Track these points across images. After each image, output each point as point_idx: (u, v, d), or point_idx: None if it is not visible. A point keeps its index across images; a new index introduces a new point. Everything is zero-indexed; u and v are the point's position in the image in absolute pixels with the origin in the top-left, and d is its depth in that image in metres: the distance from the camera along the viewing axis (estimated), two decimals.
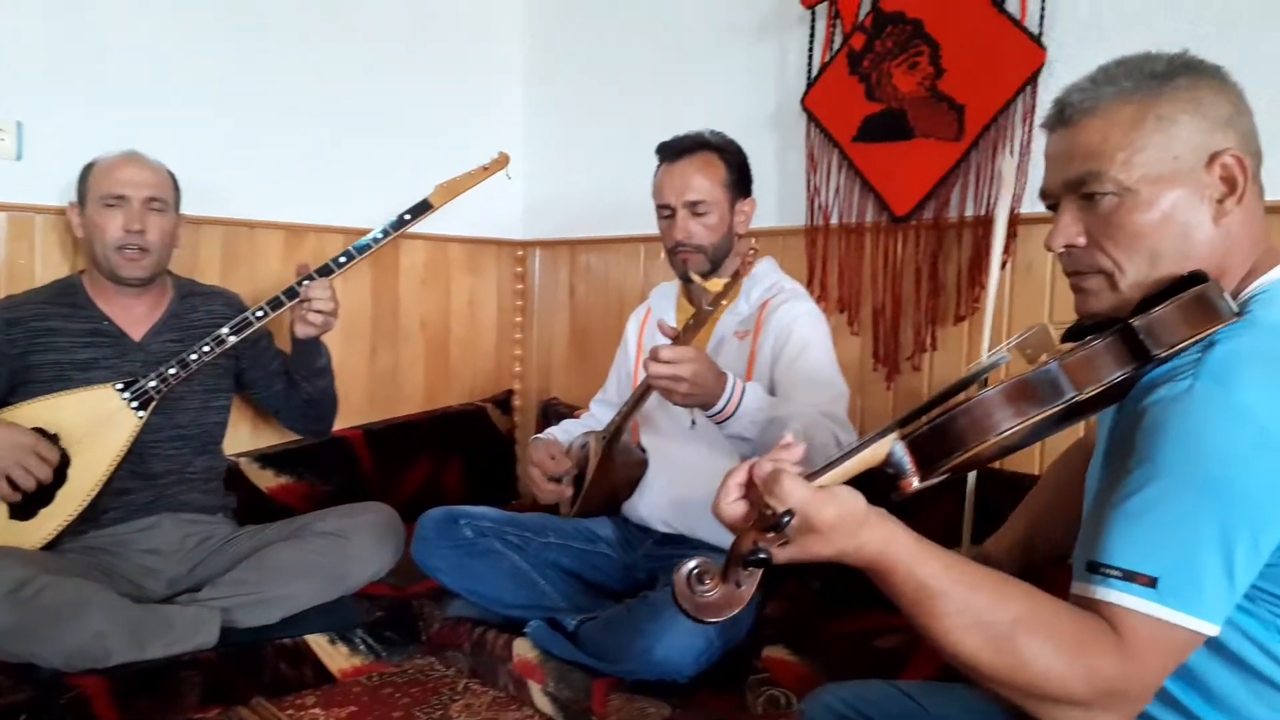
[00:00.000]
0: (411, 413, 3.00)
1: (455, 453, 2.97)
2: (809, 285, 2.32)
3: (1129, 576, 0.84)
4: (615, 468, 2.05)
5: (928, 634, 0.89)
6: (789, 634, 1.91)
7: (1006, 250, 2.00)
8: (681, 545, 2.01)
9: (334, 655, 2.04)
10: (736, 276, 1.84)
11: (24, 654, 1.75)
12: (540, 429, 2.86)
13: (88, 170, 2.12)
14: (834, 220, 2.31)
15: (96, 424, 2.02)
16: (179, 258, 2.28)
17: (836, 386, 1.87)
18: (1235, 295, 0.95)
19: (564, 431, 2.25)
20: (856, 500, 0.91)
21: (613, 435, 2.02)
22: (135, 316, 2.16)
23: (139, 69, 2.42)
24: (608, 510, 2.16)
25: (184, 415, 2.18)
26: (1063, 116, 1.00)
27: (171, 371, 2.07)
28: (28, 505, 1.96)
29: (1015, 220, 1.99)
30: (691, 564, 0.91)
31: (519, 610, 2.01)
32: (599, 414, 2.30)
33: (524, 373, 3.29)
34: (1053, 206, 1.04)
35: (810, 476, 0.93)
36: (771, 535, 0.89)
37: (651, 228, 2.07)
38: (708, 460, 1.94)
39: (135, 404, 2.05)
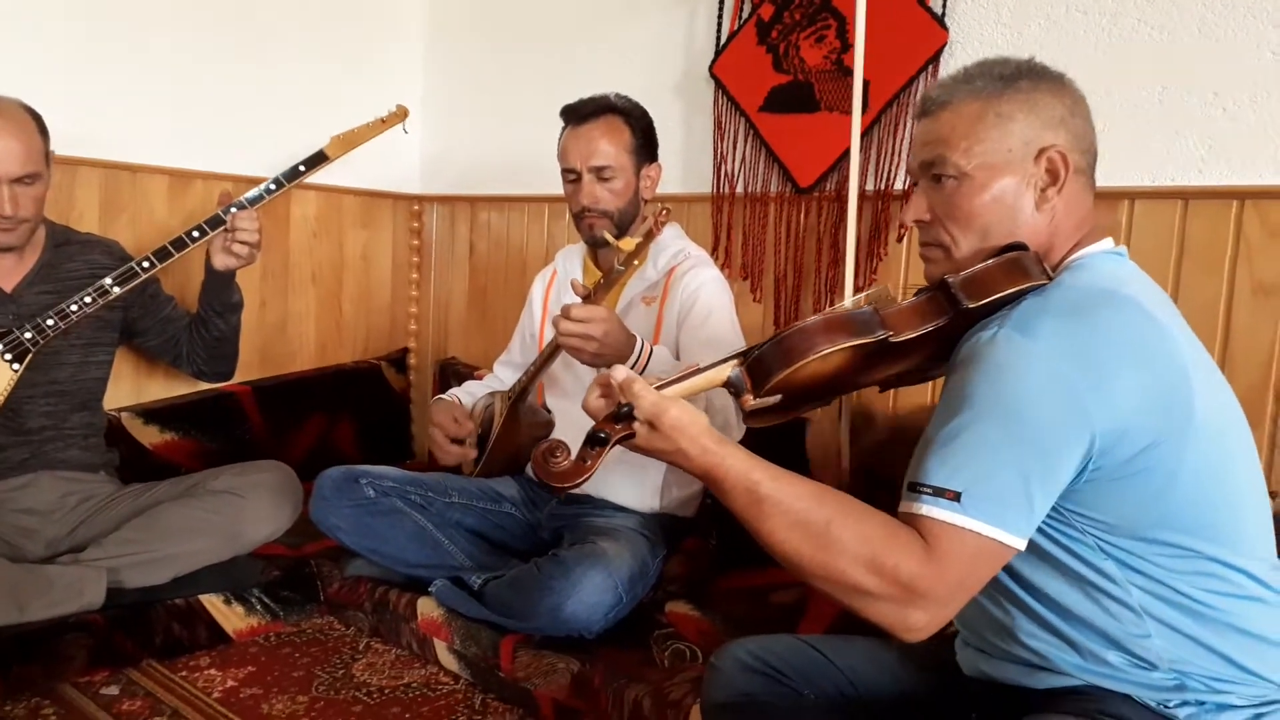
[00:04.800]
0: (303, 369, 2.92)
1: (348, 411, 2.90)
2: (713, 252, 2.36)
3: (938, 492, 0.97)
4: (520, 428, 2.06)
5: (757, 534, 1.02)
6: (690, 590, 1.97)
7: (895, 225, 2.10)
8: (585, 504, 2.04)
9: (229, 615, 1.99)
10: (649, 237, 1.85)
11: None
12: (438, 389, 2.84)
13: None
14: (739, 189, 2.35)
15: None
16: (52, 200, 2.12)
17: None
18: (1055, 267, 1.10)
19: (467, 393, 2.24)
20: (699, 414, 1.06)
21: (518, 395, 2.02)
22: (4, 267, 2.02)
23: None
24: (511, 470, 2.16)
25: (62, 370, 2.07)
26: (925, 108, 1.15)
27: (49, 323, 1.96)
28: None
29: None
30: (546, 443, 1.08)
31: (422, 570, 2.01)
32: (502, 375, 2.29)
33: (420, 331, 3.24)
34: (915, 185, 1.18)
35: (660, 386, 1.09)
36: (619, 426, 1.06)
37: (554, 188, 2.06)
38: None
39: (9, 356, 1.93)
